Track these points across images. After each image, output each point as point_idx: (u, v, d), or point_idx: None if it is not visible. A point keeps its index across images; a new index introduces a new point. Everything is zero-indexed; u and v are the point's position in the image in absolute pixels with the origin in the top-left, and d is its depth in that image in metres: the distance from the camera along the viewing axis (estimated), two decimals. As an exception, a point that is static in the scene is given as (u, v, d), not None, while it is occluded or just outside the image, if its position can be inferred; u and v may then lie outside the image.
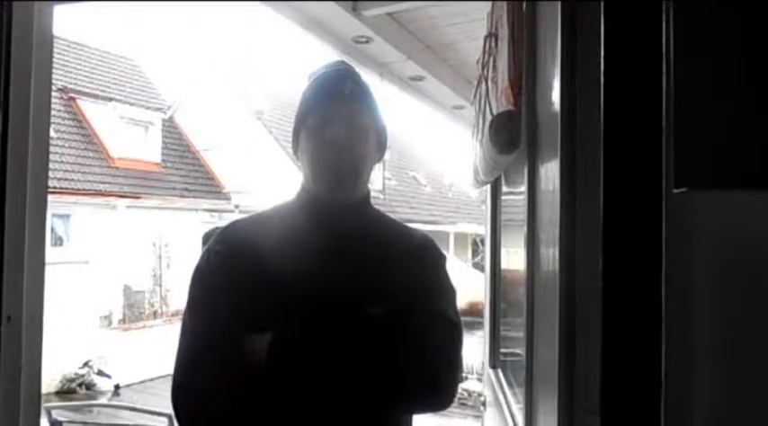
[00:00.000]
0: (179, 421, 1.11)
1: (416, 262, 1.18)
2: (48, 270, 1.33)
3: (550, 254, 0.97)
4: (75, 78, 14.51)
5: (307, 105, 1.20)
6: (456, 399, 1.17)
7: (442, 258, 1.26)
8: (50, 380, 9.88)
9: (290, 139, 1.26)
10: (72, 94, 13.89)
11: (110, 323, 12.55)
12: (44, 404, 4.70)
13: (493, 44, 1.57)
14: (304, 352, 1.03)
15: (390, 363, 1.05)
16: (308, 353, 1.03)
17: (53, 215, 11.47)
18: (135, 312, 13.05)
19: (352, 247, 1.14)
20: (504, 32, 1.36)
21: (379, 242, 1.19)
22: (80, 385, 10.56)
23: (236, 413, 1.05)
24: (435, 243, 1.30)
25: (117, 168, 13.63)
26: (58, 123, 12.85)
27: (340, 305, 1.06)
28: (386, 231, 1.24)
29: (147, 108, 15.47)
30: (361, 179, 1.19)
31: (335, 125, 1.14)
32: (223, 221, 14.21)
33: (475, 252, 19.82)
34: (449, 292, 1.20)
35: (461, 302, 1.27)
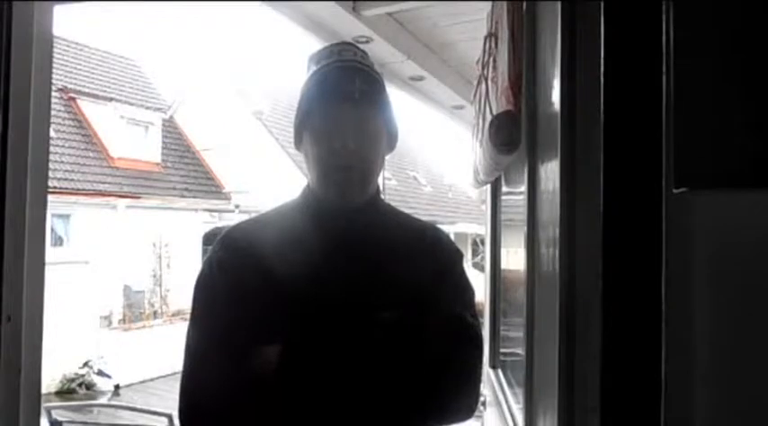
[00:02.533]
0: None
1: (430, 262, 1.12)
2: (48, 270, 1.33)
3: (550, 254, 0.97)
4: (75, 78, 14.52)
5: (311, 102, 1.10)
6: (476, 409, 1.12)
7: (458, 255, 1.20)
8: (50, 380, 9.90)
9: (292, 133, 1.16)
10: (72, 94, 13.89)
11: (110, 323, 12.55)
12: (44, 404, 4.71)
13: (493, 44, 1.57)
14: (316, 359, 1.00)
15: (405, 370, 1.01)
16: (321, 360, 1.00)
17: (53, 215, 11.48)
18: (135, 312, 13.06)
19: (361, 248, 1.09)
20: (504, 32, 1.36)
21: (390, 241, 1.13)
22: (80, 385, 10.58)
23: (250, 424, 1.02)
24: (450, 239, 1.26)
25: (117, 168, 13.65)
26: (58, 123, 12.86)
27: (350, 309, 1.02)
28: (397, 228, 1.18)
29: (147, 108, 15.48)
30: (370, 184, 1.14)
31: (344, 132, 1.06)
32: (223, 221, 14.24)
33: (475, 253, 19.81)
34: (466, 292, 1.15)
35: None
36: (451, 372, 1.05)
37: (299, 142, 1.17)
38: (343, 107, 1.08)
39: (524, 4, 1.27)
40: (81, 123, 13.81)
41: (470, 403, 1.10)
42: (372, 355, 1.01)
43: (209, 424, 1.04)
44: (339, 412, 1.00)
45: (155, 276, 13.53)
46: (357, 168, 1.09)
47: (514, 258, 1.95)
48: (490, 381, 2.52)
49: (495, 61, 1.52)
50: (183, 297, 12.05)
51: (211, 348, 1.05)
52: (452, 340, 1.06)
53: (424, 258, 1.12)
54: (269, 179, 14.39)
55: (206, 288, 1.10)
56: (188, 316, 1.13)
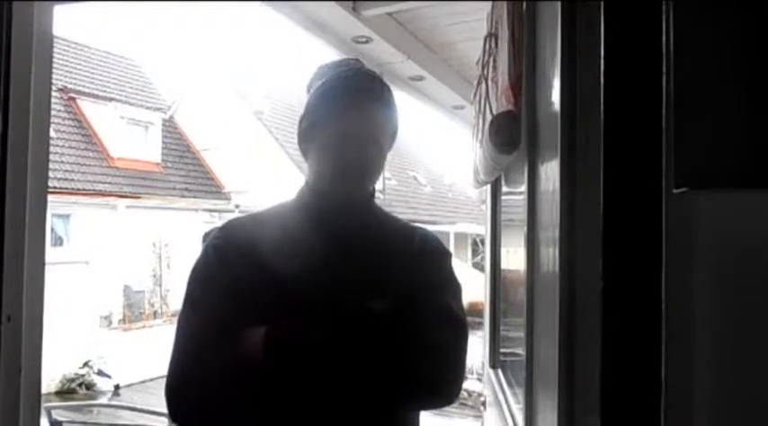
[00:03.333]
0: (174, 420, 1.09)
1: (419, 259, 1.17)
2: (48, 270, 1.33)
3: (550, 254, 0.97)
4: (75, 78, 14.52)
5: (334, 98, 1.16)
6: (457, 398, 1.16)
7: (446, 254, 1.25)
8: (50, 380, 9.90)
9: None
10: (72, 94, 13.89)
11: (110, 323, 12.55)
12: (44, 404, 4.71)
13: (493, 44, 1.57)
14: (305, 349, 1.02)
15: (391, 359, 1.04)
16: (309, 350, 1.02)
17: (53, 215, 11.48)
18: (135, 312, 13.06)
19: (354, 244, 1.14)
20: (504, 32, 1.36)
21: (382, 239, 1.19)
22: (80, 385, 10.58)
23: (236, 413, 1.04)
24: (439, 239, 1.29)
25: (117, 168, 13.64)
26: (58, 123, 12.86)
27: (341, 302, 1.06)
28: (388, 228, 1.24)
29: (147, 108, 15.48)
30: (372, 181, 1.20)
31: (361, 125, 1.14)
32: (223, 221, 14.19)
33: (475, 252, 19.83)
34: (453, 288, 1.19)
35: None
36: (435, 358, 1.07)
37: (307, 139, 1.20)
38: (364, 104, 1.15)
39: (524, 4, 1.27)
40: (81, 123, 13.81)
41: (452, 389, 1.12)
42: (359, 345, 1.04)
43: (194, 407, 1.06)
44: (324, 400, 1.02)
45: (155, 276, 13.53)
46: (366, 160, 1.16)
47: (514, 258, 1.95)
48: (490, 381, 2.53)
49: (495, 61, 1.53)
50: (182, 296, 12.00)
51: (201, 334, 1.07)
52: (437, 328, 1.09)
53: (412, 254, 1.17)
54: (269, 179, 14.39)
55: (201, 275, 1.14)
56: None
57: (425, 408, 1.20)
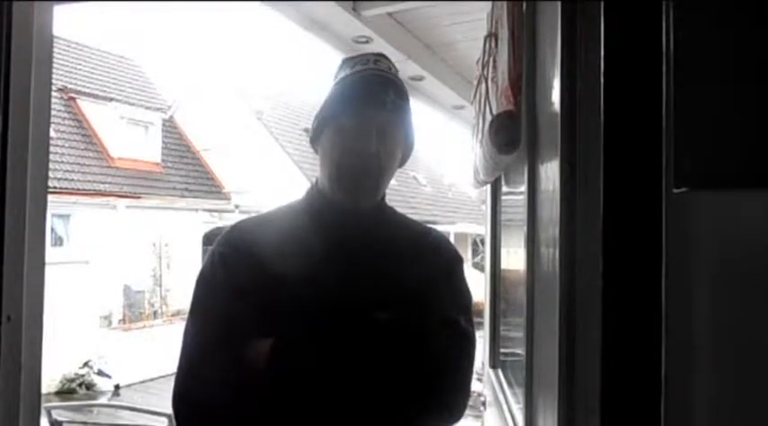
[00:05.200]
0: None
1: (428, 266, 1.15)
2: (48, 270, 1.33)
3: (550, 254, 0.97)
4: (75, 78, 14.52)
5: (342, 103, 1.13)
6: (461, 416, 1.13)
7: (458, 260, 1.22)
8: (50, 380, 9.90)
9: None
10: (72, 94, 13.89)
11: (110, 323, 12.55)
12: (44, 404, 4.70)
13: (493, 44, 1.57)
14: (310, 358, 1.01)
15: (394, 372, 1.02)
16: (314, 359, 1.01)
17: (53, 215, 11.48)
18: (135, 312, 13.06)
19: (363, 250, 1.11)
20: (504, 32, 1.36)
21: (392, 244, 1.16)
22: (80, 385, 10.58)
23: (243, 423, 1.03)
24: (452, 244, 1.27)
25: (117, 168, 13.64)
26: (58, 123, 12.85)
27: (348, 310, 1.03)
28: (399, 232, 1.21)
29: (147, 108, 15.48)
30: (381, 191, 1.17)
31: (369, 136, 1.10)
32: (223, 221, 14.23)
33: (475, 252, 19.82)
34: (462, 297, 1.17)
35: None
36: (441, 375, 1.06)
37: (316, 138, 1.18)
38: (373, 113, 1.11)
39: (524, 4, 1.27)
40: (81, 123, 13.81)
41: (458, 407, 1.10)
42: (367, 355, 1.02)
43: (201, 415, 1.05)
44: (332, 409, 1.01)
45: (155, 276, 13.52)
46: (374, 173, 1.12)
47: (514, 258, 1.95)
48: (490, 381, 2.53)
49: (495, 61, 1.52)
50: (183, 297, 12.06)
51: (208, 341, 1.06)
52: (445, 343, 1.07)
53: (423, 261, 1.15)
54: (269, 179, 14.40)
55: (207, 283, 1.12)
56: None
57: (429, 424, 1.13)
